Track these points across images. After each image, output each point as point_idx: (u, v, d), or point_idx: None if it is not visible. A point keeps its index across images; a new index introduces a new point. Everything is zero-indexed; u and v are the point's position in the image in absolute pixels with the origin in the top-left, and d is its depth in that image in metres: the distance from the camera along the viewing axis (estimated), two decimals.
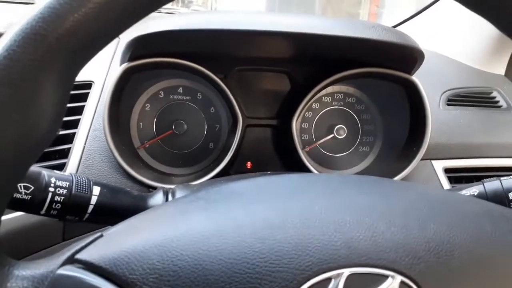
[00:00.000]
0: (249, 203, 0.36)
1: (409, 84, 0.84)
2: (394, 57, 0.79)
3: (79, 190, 0.48)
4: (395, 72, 0.82)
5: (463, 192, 0.58)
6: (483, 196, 0.56)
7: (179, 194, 0.55)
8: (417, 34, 1.18)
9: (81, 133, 0.75)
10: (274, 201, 0.36)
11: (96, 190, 0.50)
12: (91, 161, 0.74)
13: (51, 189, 0.46)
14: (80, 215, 0.49)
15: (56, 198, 0.47)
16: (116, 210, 0.51)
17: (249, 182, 0.39)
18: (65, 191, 0.47)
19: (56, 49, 0.27)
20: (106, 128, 0.73)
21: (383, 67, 0.83)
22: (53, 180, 0.47)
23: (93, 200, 0.49)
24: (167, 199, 0.54)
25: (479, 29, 1.13)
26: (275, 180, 0.41)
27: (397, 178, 0.83)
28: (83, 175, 0.50)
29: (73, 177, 0.49)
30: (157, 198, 0.54)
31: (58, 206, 0.47)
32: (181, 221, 0.33)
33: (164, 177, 0.84)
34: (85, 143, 0.75)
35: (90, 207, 0.49)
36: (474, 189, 0.57)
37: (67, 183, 0.48)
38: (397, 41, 0.71)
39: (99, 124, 0.76)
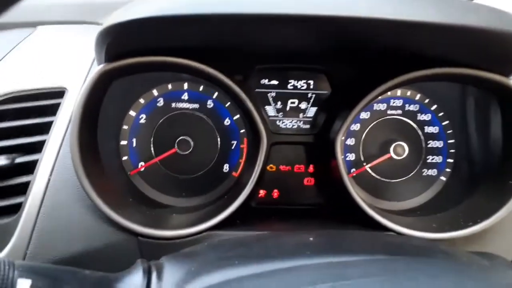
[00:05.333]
0: None
1: (503, 90, 0.62)
2: (488, 52, 0.57)
3: None
4: (485, 73, 0.61)
5: None
6: None
7: (166, 272, 0.42)
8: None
9: (45, 160, 0.61)
10: None
11: (24, 285, 0.37)
12: (58, 200, 0.59)
13: None
14: None
15: None
16: None
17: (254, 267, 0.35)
18: None
19: None
20: (75, 154, 0.57)
21: (462, 65, 0.61)
22: None
23: None
24: (149, 283, 0.41)
25: None
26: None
27: (484, 223, 0.62)
28: (7, 260, 0.37)
29: None
30: (135, 281, 0.41)
31: None
32: None
33: (158, 217, 0.67)
34: (50, 175, 0.61)
35: None
36: None
37: None
38: (502, 29, 0.48)
39: None
